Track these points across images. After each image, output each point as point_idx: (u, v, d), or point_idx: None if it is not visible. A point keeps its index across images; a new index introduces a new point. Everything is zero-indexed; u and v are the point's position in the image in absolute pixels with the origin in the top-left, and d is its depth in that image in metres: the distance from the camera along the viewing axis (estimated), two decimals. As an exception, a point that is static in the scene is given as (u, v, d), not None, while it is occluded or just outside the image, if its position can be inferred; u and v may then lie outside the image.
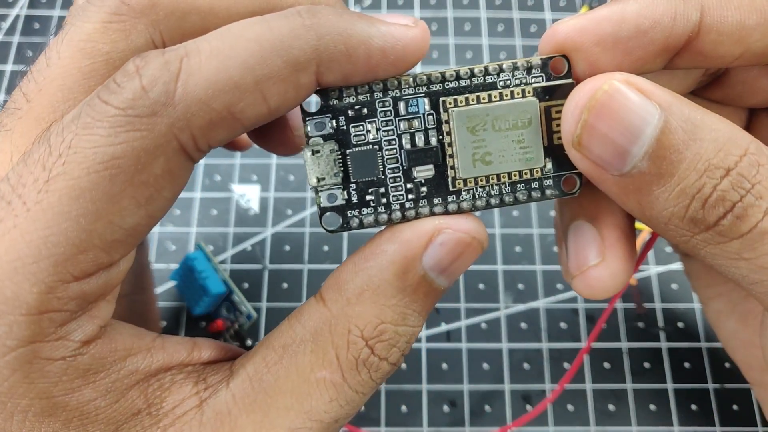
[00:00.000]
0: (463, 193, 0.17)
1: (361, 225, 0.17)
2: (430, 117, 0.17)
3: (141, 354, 0.16)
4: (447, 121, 0.17)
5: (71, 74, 0.15)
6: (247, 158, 0.38)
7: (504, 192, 0.17)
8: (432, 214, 0.17)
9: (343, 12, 0.15)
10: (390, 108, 0.17)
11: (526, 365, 0.33)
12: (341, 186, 0.17)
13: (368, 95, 0.16)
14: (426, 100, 0.17)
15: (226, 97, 0.14)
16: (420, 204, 0.17)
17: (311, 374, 0.16)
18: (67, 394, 0.14)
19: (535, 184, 0.17)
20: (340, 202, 0.17)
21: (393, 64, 0.16)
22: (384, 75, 0.16)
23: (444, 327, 0.34)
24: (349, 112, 0.16)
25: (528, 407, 0.32)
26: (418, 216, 0.17)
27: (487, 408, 0.32)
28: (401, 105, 0.17)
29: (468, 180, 0.17)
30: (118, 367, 0.15)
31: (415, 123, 0.17)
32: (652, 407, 0.32)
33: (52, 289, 0.13)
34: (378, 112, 0.17)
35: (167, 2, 0.16)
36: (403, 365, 0.33)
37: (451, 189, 0.17)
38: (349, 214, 0.17)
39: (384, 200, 0.17)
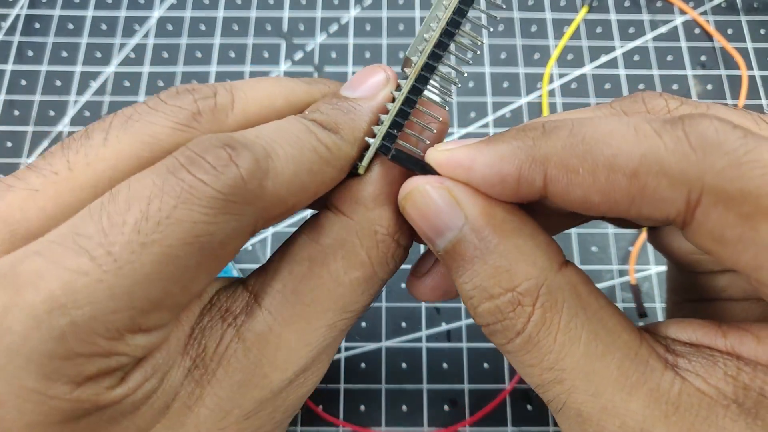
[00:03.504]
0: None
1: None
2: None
3: (173, 328, 0.17)
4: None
5: (127, 160, 0.16)
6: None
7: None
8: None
9: (348, 111, 0.18)
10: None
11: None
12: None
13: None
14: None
15: (297, 197, 0.16)
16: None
17: (345, 277, 0.18)
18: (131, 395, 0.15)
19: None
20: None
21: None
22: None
23: (444, 326, 0.34)
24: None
25: (528, 407, 0.32)
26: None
27: (487, 407, 0.32)
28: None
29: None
30: (159, 358, 0.16)
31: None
32: (653, 407, 0.32)
33: (121, 336, 0.14)
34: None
35: (232, 122, 0.18)
36: (404, 365, 0.33)
37: None
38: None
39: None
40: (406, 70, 0.19)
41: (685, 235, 0.16)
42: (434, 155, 0.18)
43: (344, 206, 0.18)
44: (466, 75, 0.20)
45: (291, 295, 0.18)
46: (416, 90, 0.18)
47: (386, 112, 0.19)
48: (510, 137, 0.16)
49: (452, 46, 0.18)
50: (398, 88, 0.19)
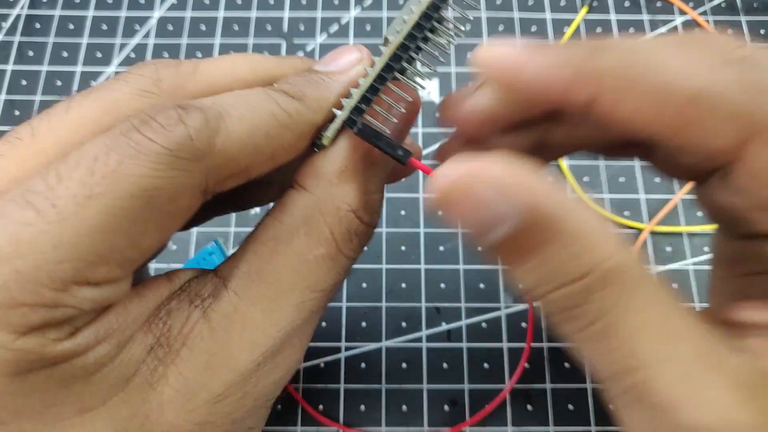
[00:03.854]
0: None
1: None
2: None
3: (135, 301, 0.17)
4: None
5: (88, 125, 0.17)
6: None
7: None
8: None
9: (316, 82, 0.18)
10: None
11: (526, 365, 0.33)
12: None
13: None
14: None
15: (249, 158, 0.17)
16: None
17: (309, 254, 0.18)
18: (82, 355, 0.15)
19: None
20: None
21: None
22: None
23: (444, 326, 0.34)
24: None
25: (529, 407, 0.32)
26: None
27: (487, 407, 0.32)
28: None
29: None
30: (113, 321, 0.16)
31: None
32: (653, 407, 0.32)
33: (67, 287, 0.14)
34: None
35: (192, 87, 0.18)
36: (404, 365, 0.33)
37: None
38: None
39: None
40: (382, 48, 0.19)
41: (729, 181, 0.15)
42: (482, 53, 0.17)
43: (306, 181, 0.18)
44: (443, 61, 0.20)
45: (256, 275, 0.18)
46: (389, 68, 0.19)
47: (357, 87, 0.19)
48: (564, 47, 0.16)
49: (431, 31, 0.19)
50: (373, 65, 0.19)
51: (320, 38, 0.42)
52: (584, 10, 0.43)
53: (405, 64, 0.19)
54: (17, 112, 0.40)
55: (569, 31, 0.42)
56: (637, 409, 0.15)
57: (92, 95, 0.17)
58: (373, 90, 0.19)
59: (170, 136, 0.15)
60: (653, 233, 0.36)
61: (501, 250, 0.16)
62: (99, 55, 0.42)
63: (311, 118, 0.18)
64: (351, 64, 0.19)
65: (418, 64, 0.19)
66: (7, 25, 0.42)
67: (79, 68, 0.41)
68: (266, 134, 0.17)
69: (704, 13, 0.43)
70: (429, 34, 0.19)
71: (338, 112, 0.18)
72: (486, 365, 0.33)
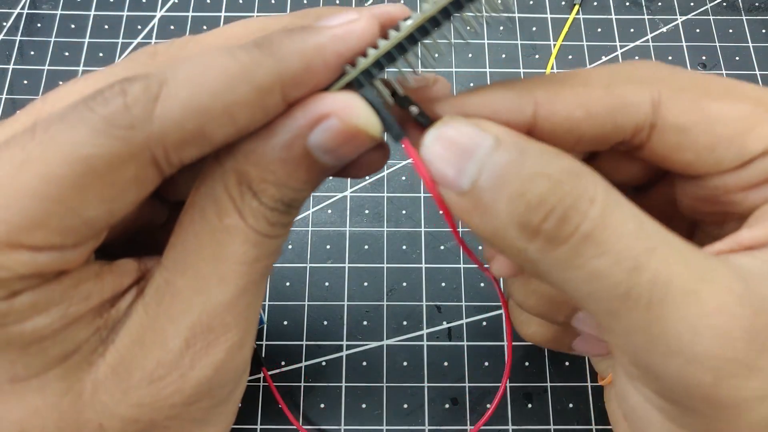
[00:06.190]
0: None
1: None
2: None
3: (91, 281, 0.17)
4: None
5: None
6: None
7: None
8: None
9: (293, 31, 0.17)
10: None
11: (527, 363, 0.33)
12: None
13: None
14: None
15: (197, 120, 0.15)
16: None
17: (219, 223, 0.17)
18: (18, 322, 0.15)
19: None
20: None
21: (347, 59, 0.17)
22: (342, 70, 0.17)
23: (445, 325, 0.34)
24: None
25: (529, 406, 0.32)
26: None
27: (488, 405, 0.32)
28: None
29: None
30: (70, 294, 0.16)
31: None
32: (653, 405, 0.32)
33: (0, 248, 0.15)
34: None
35: (186, 54, 0.18)
36: (405, 363, 0.33)
37: None
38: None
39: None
40: (411, 16, 0.18)
41: (653, 148, 0.18)
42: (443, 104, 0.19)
43: (221, 152, 0.17)
44: (468, 43, 0.20)
45: (182, 246, 0.17)
46: (424, 31, 0.17)
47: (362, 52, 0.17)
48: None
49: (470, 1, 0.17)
50: (396, 28, 0.17)
51: (321, 38, 0.42)
52: (576, 9, 0.43)
53: (436, 31, 0.18)
54: (19, 112, 0.40)
55: (563, 32, 0.42)
56: (658, 311, 0.15)
57: (98, 71, 0.18)
58: (391, 56, 0.17)
59: (108, 106, 0.15)
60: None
61: (476, 192, 0.17)
62: (101, 54, 0.42)
63: (275, 69, 0.16)
64: (346, 22, 0.17)
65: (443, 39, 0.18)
66: (8, 24, 0.42)
67: (80, 68, 0.41)
68: (212, 92, 0.15)
69: (705, 13, 0.43)
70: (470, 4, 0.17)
71: (349, 68, 0.17)
72: (486, 363, 0.33)
